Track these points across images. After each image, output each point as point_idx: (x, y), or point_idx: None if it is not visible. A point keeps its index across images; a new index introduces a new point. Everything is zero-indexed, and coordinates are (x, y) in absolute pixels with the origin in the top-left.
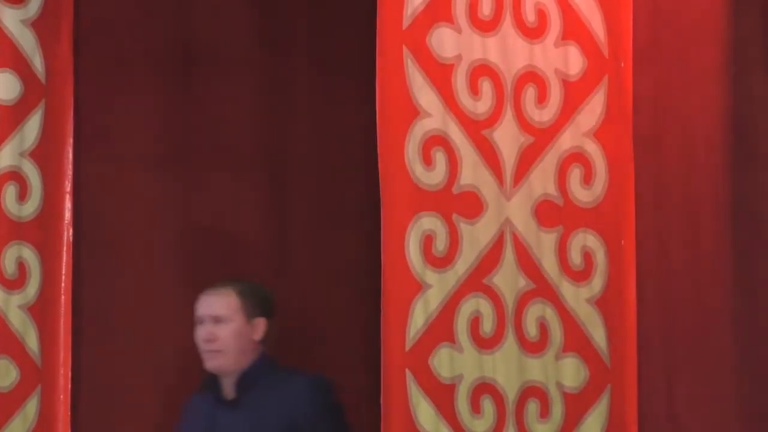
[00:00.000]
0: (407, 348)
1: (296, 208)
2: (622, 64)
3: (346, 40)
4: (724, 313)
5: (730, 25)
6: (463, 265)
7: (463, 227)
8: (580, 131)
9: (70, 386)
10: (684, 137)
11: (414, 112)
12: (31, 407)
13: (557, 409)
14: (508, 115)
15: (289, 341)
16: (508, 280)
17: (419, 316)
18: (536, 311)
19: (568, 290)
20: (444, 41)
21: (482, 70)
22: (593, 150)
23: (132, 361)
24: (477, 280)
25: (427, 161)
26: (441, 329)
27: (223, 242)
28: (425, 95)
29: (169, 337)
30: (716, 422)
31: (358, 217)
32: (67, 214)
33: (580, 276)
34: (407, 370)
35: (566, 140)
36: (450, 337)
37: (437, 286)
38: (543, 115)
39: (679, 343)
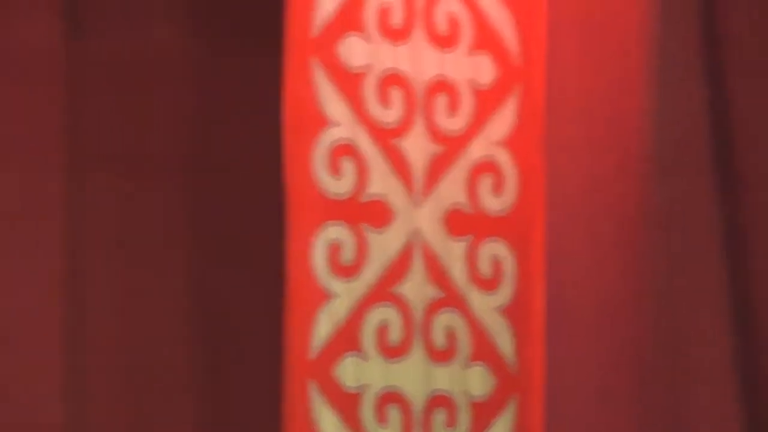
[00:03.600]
0: (311, 358)
1: (209, 217)
2: (535, 74)
3: (259, 48)
4: (644, 324)
5: (658, 30)
6: (370, 274)
7: (371, 236)
8: (491, 140)
9: None
10: (613, 144)
11: (322, 122)
12: None
13: (464, 418)
14: (419, 125)
15: (203, 353)
16: (416, 289)
17: (324, 326)
18: (444, 320)
19: (476, 299)
20: (354, 50)
21: (392, 80)
22: (504, 159)
23: None
24: (385, 290)
25: (335, 170)
26: (347, 339)
27: (126, 249)
28: (334, 104)
29: None
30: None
31: (269, 229)
32: None
33: (489, 285)
34: (310, 381)
35: (477, 149)
36: (356, 347)
37: (344, 296)
38: (454, 125)
39: (589, 354)
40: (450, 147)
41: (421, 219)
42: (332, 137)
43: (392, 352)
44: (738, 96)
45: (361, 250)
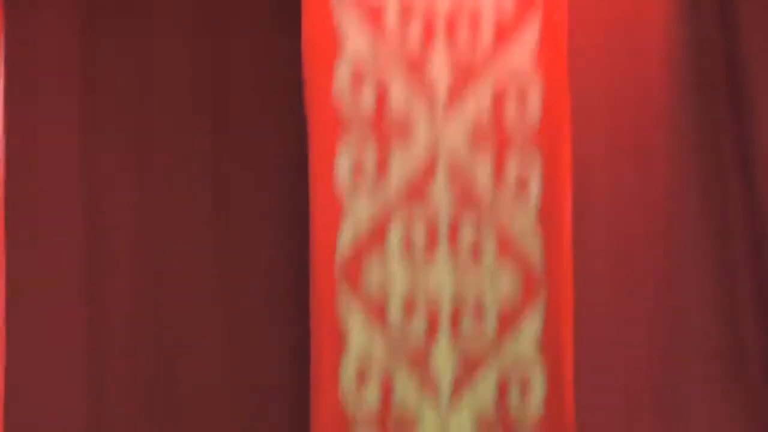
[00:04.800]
0: (337, 263)
1: (234, 152)
2: None
3: None
4: (663, 244)
5: None
6: (392, 185)
7: (394, 151)
8: (515, 57)
9: None
10: (635, 75)
11: (342, 42)
12: None
13: (491, 320)
14: (440, 44)
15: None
16: (441, 197)
17: (350, 231)
18: (471, 224)
19: (503, 205)
20: None
21: (412, 10)
22: (529, 74)
23: None
24: (409, 199)
25: (356, 91)
26: (372, 244)
27: (155, 186)
28: (353, 25)
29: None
30: (647, 337)
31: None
32: None
33: (517, 192)
34: (338, 282)
35: (501, 66)
36: (381, 251)
37: (369, 202)
38: (477, 44)
39: (616, 259)
40: (473, 65)
41: (446, 132)
42: (352, 56)
43: (418, 255)
44: (752, 47)
45: (383, 163)
